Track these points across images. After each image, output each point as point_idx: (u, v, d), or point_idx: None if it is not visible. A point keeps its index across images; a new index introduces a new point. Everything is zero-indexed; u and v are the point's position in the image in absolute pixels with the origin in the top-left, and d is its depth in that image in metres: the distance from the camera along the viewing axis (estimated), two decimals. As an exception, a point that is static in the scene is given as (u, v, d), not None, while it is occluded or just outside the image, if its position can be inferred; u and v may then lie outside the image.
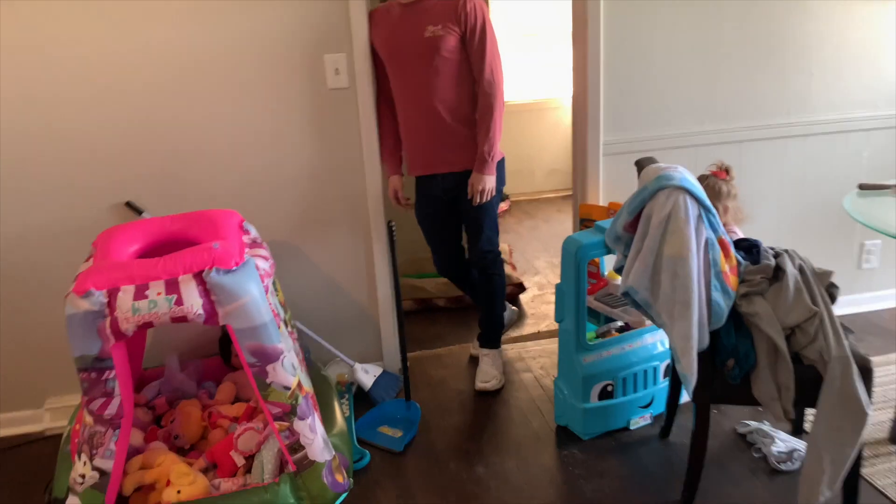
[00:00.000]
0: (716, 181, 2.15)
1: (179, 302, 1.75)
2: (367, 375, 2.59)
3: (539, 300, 3.56)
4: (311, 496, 1.89)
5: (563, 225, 4.91)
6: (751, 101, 2.82)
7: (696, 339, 1.80)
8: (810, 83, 2.83)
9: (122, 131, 2.37)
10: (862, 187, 2.34)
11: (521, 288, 3.57)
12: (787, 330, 1.81)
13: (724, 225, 1.94)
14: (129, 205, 2.42)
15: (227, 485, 1.92)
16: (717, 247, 1.86)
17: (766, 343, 1.82)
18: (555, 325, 3.11)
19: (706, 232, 1.83)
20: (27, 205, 2.37)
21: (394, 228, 2.43)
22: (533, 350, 2.97)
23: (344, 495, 1.97)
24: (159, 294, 1.74)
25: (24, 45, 2.23)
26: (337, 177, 2.58)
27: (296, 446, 1.90)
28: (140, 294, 1.73)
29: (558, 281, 2.34)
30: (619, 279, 2.65)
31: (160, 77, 2.35)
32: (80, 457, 1.79)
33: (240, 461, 1.98)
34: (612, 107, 2.73)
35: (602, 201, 2.80)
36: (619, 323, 2.54)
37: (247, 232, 2.14)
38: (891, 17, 2.81)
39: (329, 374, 2.53)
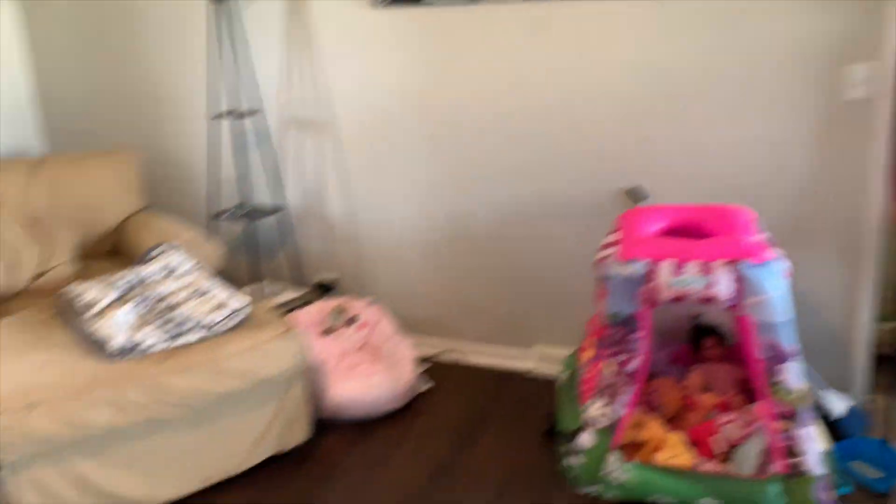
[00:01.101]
0: None
1: (711, 285, 1.88)
2: (838, 403, 2.44)
3: None
4: (797, 503, 1.88)
5: None
6: None
7: None
8: None
9: (632, 125, 2.62)
10: None
11: None
12: None
13: None
14: (629, 193, 2.67)
15: (708, 466, 2.01)
16: None
17: None
18: None
19: None
20: (548, 183, 2.79)
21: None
22: None
23: (828, 516, 1.91)
24: (695, 273, 1.89)
25: (566, 49, 2.63)
26: (832, 193, 2.46)
27: (790, 451, 1.90)
28: (677, 270, 1.91)
29: None
30: None
31: (675, 79, 2.52)
32: (595, 400, 2.07)
33: (720, 448, 2.06)
34: None
35: None
36: None
37: (761, 231, 2.19)
38: None
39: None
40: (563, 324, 2.83)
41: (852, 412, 2.47)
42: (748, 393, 2.19)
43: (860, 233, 2.47)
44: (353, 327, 2.84)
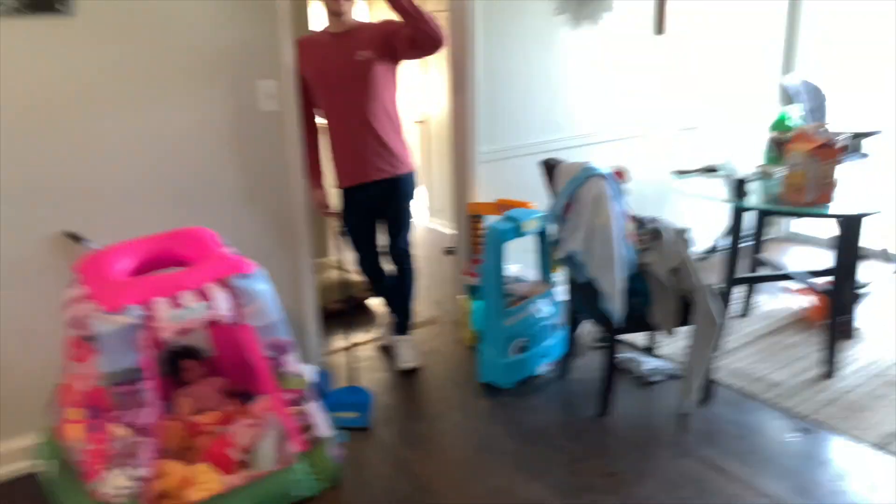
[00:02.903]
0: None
1: (212, 308, 1.89)
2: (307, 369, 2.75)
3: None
4: (321, 470, 2.15)
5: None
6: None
7: (620, 283, 2.38)
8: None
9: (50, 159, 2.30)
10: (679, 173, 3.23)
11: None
12: (669, 273, 2.46)
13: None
14: (69, 235, 2.36)
15: (236, 479, 2.02)
16: (624, 218, 2.50)
17: (657, 283, 2.48)
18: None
19: (619, 207, 2.46)
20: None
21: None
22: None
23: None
24: (193, 301, 1.86)
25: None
26: (265, 191, 2.75)
27: (305, 428, 2.13)
28: (174, 304, 1.84)
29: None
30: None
31: (91, 90, 2.33)
32: (112, 471, 1.82)
33: (237, 457, 2.08)
34: (485, 122, 3.29)
35: (480, 200, 3.30)
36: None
37: (226, 245, 2.27)
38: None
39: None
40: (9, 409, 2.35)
41: (320, 374, 2.85)
42: (239, 396, 2.31)
43: (292, 222, 2.82)
44: None
